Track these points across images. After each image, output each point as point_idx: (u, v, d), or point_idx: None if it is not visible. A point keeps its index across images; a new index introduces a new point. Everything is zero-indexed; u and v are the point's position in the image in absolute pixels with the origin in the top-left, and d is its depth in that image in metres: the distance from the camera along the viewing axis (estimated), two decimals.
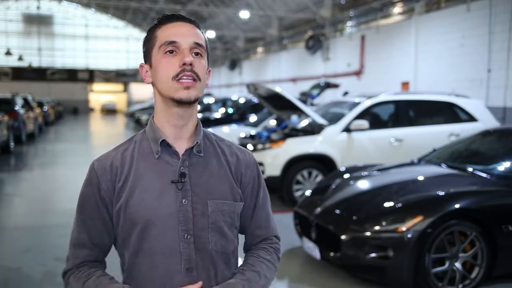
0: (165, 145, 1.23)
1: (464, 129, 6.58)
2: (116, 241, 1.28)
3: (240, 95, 13.48)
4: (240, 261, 1.34)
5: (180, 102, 1.18)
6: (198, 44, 1.20)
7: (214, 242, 1.23)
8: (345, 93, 12.55)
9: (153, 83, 1.24)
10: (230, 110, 11.84)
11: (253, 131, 7.65)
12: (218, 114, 11.84)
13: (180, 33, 1.20)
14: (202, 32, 1.25)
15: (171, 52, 1.19)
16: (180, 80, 1.16)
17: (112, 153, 1.27)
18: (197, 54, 1.20)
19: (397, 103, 6.91)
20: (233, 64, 31.95)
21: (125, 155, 1.25)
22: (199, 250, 1.21)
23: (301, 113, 6.89)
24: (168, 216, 1.19)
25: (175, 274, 1.19)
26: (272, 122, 8.49)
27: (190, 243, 1.20)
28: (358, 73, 17.96)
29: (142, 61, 1.33)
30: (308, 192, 4.65)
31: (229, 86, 33.07)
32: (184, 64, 1.16)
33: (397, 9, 16.71)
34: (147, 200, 1.20)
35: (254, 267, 1.29)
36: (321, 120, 6.62)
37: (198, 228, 1.21)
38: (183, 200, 1.20)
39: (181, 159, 1.22)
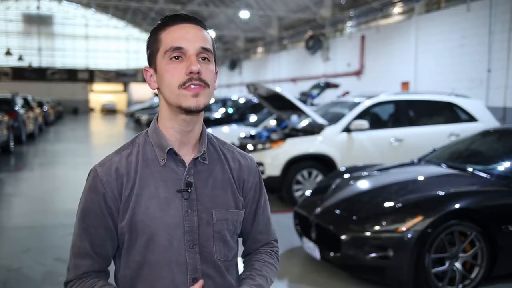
0: (172, 153, 1.20)
1: (464, 129, 6.58)
2: (117, 252, 1.24)
3: (240, 95, 13.48)
4: (239, 264, 1.34)
5: (188, 111, 1.14)
6: (205, 49, 1.15)
7: (219, 251, 1.22)
8: (345, 93, 12.54)
9: (158, 89, 1.20)
10: (230, 110, 11.85)
11: (253, 131, 7.65)
12: (218, 114, 11.84)
13: (186, 37, 1.14)
14: (208, 33, 1.21)
15: (177, 58, 1.13)
16: (188, 88, 1.12)
17: (116, 158, 1.21)
18: (204, 59, 1.16)
19: (397, 103, 6.90)
20: (233, 64, 31.96)
21: (129, 160, 1.20)
22: (204, 260, 1.19)
23: (301, 113, 6.89)
24: (174, 226, 1.17)
25: (181, 285, 1.17)
26: (272, 122, 8.49)
27: (196, 253, 1.18)
28: (358, 73, 17.96)
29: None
30: (308, 192, 4.65)
31: (229, 86, 33.10)
32: (191, 72, 1.12)
33: (397, 9, 16.71)
34: (153, 209, 1.17)
35: (261, 271, 1.29)
36: (321, 120, 6.62)
37: (204, 237, 1.19)
38: (189, 210, 1.18)
39: (187, 167, 1.20)
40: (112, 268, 1.26)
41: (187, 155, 1.21)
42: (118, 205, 1.18)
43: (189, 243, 1.17)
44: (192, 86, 1.12)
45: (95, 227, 1.18)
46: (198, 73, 1.12)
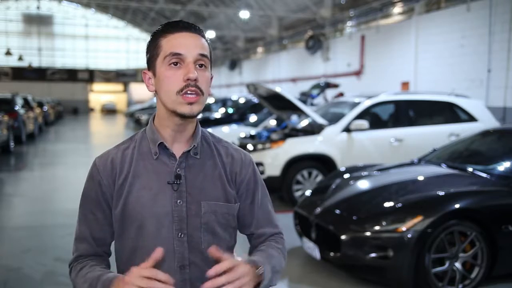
0: (163, 147, 1.27)
1: (464, 129, 6.58)
2: (115, 237, 1.32)
3: (240, 95, 13.47)
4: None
5: (182, 116, 1.22)
6: (202, 55, 1.22)
7: (207, 242, 1.27)
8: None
9: (156, 91, 1.27)
10: (230, 110, 11.84)
11: (253, 131, 7.65)
12: (218, 114, 11.84)
13: (185, 44, 1.20)
14: (207, 40, 1.27)
15: (175, 64, 1.20)
16: (184, 95, 1.19)
17: (113, 151, 1.32)
18: (201, 65, 1.22)
19: (397, 103, 6.90)
20: (233, 64, 31.94)
21: (126, 153, 1.30)
22: (192, 249, 1.25)
23: (301, 113, 6.89)
24: (163, 215, 1.24)
25: (169, 271, 1.21)
26: (272, 122, 8.49)
27: (184, 242, 1.25)
28: (358, 73, 17.96)
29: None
30: (308, 192, 4.65)
31: (229, 86, 33.07)
32: (188, 79, 1.18)
33: (397, 9, 16.71)
34: (144, 199, 1.25)
35: (267, 252, 1.31)
36: (321, 120, 6.62)
37: (192, 227, 1.26)
38: (178, 201, 1.25)
39: (178, 161, 1.27)
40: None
41: (180, 150, 1.28)
42: (112, 192, 1.27)
43: (178, 232, 1.24)
44: (189, 92, 1.19)
45: (93, 212, 1.29)
46: (195, 80, 1.19)
